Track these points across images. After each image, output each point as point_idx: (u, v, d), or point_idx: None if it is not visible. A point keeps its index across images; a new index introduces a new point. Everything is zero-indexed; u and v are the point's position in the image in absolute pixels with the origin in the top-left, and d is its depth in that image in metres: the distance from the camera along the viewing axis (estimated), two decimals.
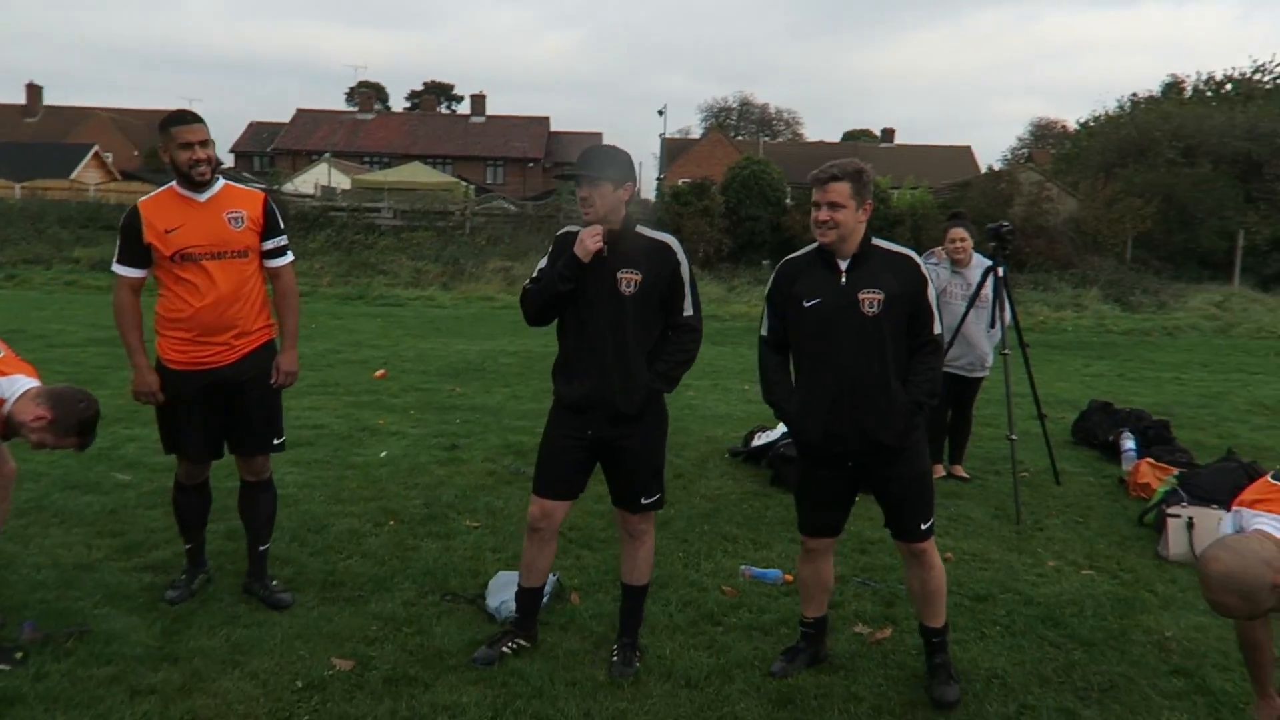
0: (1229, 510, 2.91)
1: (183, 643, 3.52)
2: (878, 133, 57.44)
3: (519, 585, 3.68)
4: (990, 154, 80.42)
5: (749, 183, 23.89)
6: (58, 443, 3.24)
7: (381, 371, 9.47)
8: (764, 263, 22.96)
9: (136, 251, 3.62)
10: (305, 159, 42.96)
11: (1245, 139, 26.83)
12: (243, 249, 3.67)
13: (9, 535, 4.45)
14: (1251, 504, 2.63)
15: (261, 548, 4.00)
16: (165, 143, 3.61)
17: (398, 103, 64.57)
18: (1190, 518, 4.86)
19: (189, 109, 3.70)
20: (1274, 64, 36.88)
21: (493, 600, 3.97)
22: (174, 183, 3.67)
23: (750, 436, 6.74)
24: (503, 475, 6.00)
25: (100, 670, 3.29)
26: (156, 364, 3.73)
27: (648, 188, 41.31)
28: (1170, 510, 4.99)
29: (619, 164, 3.37)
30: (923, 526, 3.42)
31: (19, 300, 14.71)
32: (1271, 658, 2.83)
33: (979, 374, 6.28)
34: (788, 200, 24.91)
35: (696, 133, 57.36)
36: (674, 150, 48.73)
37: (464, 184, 34.31)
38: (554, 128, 51.48)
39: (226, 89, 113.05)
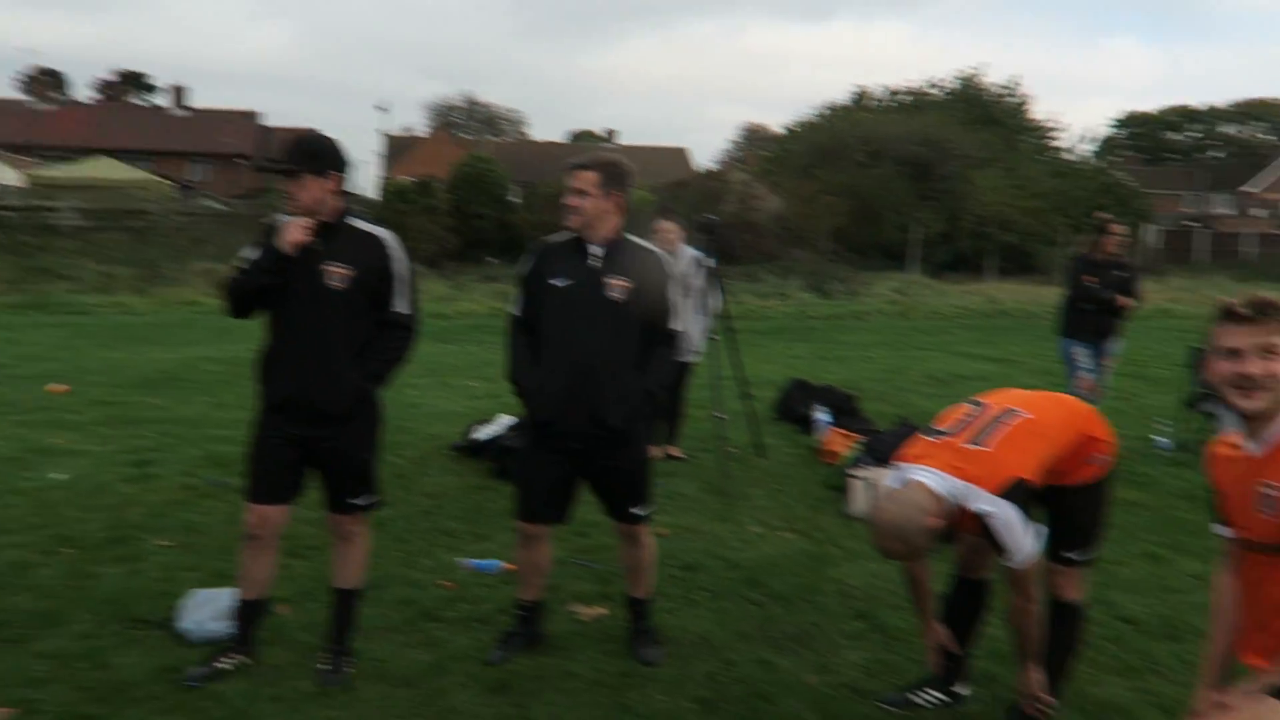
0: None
1: None
2: (603, 134, 59.01)
3: (240, 599, 3.46)
4: (706, 156, 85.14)
5: (475, 181, 23.79)
6: None
7: (61, 386, 8.46)
8: (490, 260, 22.92)
9: None
10: None
11: (919, 144, 30.23)
12: None
13: None
14: (912, 459, 2.95)
15: None
16: None
17: (82, 92, 57.97)
18: (869, 478, 5.40)
19: None
20: (942, 79, 41.67)
21: (186, 621, 3.67)
22: None
23: (470, 430, 6.69)
24: (202, 489, 5.55)
25: None
26: None
27: (370, 185, 39.92)
28: (853, 472, 5.52)
29: (323, 153, 3.23)
30: (639, 511, 3.56)
31: None
32: (930, 592, 3.19)
33: (690, 358, 6.62)
34: (514, 198, 25.04)
35: (421, 131, 56.15)
36: (398, 148, 47.43)
37: (164, 181, 31.45)
38: (271, 123, 48.39)
39: None
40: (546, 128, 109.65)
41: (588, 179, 3.39)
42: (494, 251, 23.44)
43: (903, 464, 3.00)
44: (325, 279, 3.21)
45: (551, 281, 3.44)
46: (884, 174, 28.94)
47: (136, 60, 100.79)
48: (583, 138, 63.02)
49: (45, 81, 48.39)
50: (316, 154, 3.23)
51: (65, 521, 4.89)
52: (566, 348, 3.41)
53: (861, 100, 44.04)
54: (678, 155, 52.00)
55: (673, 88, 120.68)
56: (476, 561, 4.50)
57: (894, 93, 43.56)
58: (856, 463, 5.77)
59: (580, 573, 4.43)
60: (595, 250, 3.44)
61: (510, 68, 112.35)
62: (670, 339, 3.53)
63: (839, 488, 5.81)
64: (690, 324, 6.48)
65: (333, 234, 3.24)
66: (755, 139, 64.36)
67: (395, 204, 22.71)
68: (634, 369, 3.44)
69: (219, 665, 3.34)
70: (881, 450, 5.96)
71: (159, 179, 32.09)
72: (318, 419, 3.28)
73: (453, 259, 22.39)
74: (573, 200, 3.41)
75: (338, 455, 3.36)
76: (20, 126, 43.01)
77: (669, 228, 6.47)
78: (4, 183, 27.61)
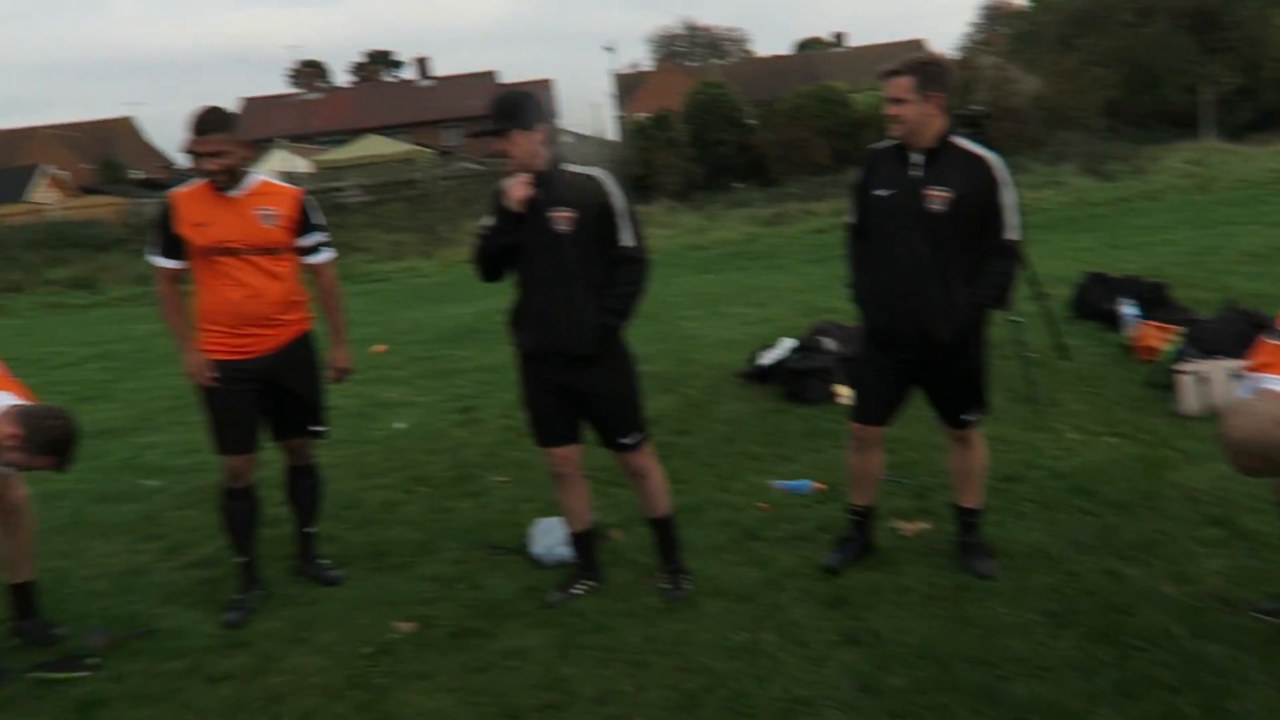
0: (1241, 375, 2.97)
1: (247, 629, 3.60)
2: (830, 39, 56.66)
3: (569, 531, 3.74)
4: (944, 44, 79.48)
5: (710, 107, 23.70)
6: (30, 462, 3.16)
7: (382, 347, 9.46)
8: (735, 185, 22.87)
9: (169, 241, 3.63)
10: (259, 148, 42.21)
11: None
12: (273, 245, 3.65)
13: (55, 552, 4.49)
14: (1259, 368, 2.70)
15: (309, 530, 4.05)
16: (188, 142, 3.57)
17: (341, 77, 63.33)
18: (1200, 372, 4.95)
19: (208, 109, 3.51)
20: None
21: (537, 547, 4.05)
22: None
23: (754, 356, 6.79)
24: (521, 429, 5.97)
25: (174, 664, 3.36)
26: None
27: (608, 127, 40.82)
28: (1180, 368, 5.08)
29: (524, 108, 3.32)
30: (968, 417, 3.51)
31: (4, 329, 14.57)
32: None
33: None
34: (750, 120, 24.72)
35: (647, 66, 56.49)
36: (628, 85, 48.02)
37: (425, 150, 33.86)
38: (503, 80, 50.62)
39: (169, 90, 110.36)
40: (771, 42, 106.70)
41: (902, 85, 3.25)
42: (739, 176, 23.36)
43: (1252, 373, 2.74)
44: (552, 225, 3.32)
45: (875, 191, 3.39)
46: (1159, 31, 25.79)
47: (381, 39, 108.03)
48: (809, 46, 60.84)
49: (310, 73, 53.27)
50: (518, 110, 3.32)
51: (415, 464, 5.51)
52: (891, 258, 3.37)
53: None
54: (914, 49, 48.87)
55: None
56: (787, 483, 4.61)
57: None
58: (1180, 357, 5.30)
59: (894, 489, 4.41)
60: (916, 158, 3.33)
61: None
62: (1006, 249, 3.34)
63: (1163, 385, 5.38)
64: None
65: (551, 182, 3.34)
66: (998, 16, 59.27)
67: (637, 141, 23.13)
68: (963, 280, 3.32)
69: (574, 590, 3.66)
70: (1207, 340, 5.45)
71: (420, 148, 34.59)
72: (571, 362, 3.41)
73: (700, 189, 22.57)
74: (890, 109, 3.29)
75: (597, 398, 3.48)
76: (297, 117, 47.80)
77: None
78: (297, 170, 30.89)
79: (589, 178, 3.38)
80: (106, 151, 46.90)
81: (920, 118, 3.27)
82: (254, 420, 3.76)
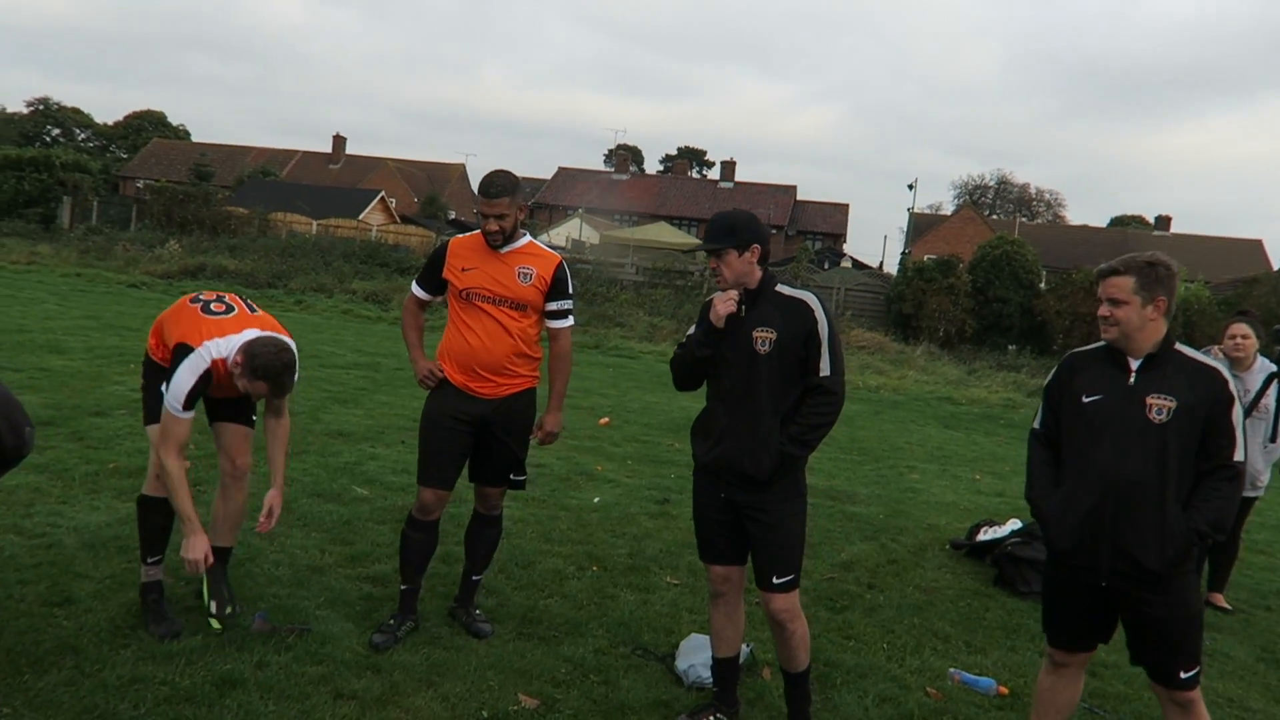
0: None
1: (387, 655, 3.70)
2: (1150, 219, 53.22)
3: (713, 656, 3.59)
4: None
5: (1000, 263, 22.83)
6: (250, 386, 3.50)
7: (606, 420, 9.72)
8: (1010, 348, 21.74)
9: (433, 278, 3.96)
10: (562, 213, 45.55)
11: None
12: (523, 302, 3.87)
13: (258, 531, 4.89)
14: None
15: (475, 577, 4.15)
16: (477, 199, 3.91)
17: (652, 165, 67.38)
18: None
19: (499, 175, 3.81)
20: None
21: (682, 662, 3.89)
22: None
23: (976, 529, 6.29)
24: None
25: (312, 669, 3.50)
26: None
27: (891, 261, 40.37)
28: None
29: (740, 229, 3.31)
30: (1184, 675, 2.99)
31: (302, 323, 16.42)
32: None
33: (1251, 494, 5.54)
34: (1042, 284, 23.52)
35: (948, 209, 55.63)
36: (923, 225, 47.48)
37: None
38: (801, 196, 51.66)
39: (502, 147, 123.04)
40: (1086, 211, 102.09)
41: (1121, 285, 2.97)
42: (1015, 338, 22.22)
43: None
44: (754, 344, 3.26)
45: (1081, 396, 3.06)
46: None
47: (699, 139, 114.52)
48: (1124, 222, 57.48)
49: (625, 156, 56.94)
50: (734, 229, 3.31)
51: (597, 542, 5.52)
52: (1092, 471, 2.98)
53: None
54: (1251, 248, 44.95)
55: (1249, 170, 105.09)
56: (969, 676, 4.16)
57: None
58: None
59: (1088, 719, 3.87)
60: (1134, 364, 3.00)
61: (1049, 147, 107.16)
62: (1231, 473, 2.92)
63: None
64: (1254, 453, 5.43)
65: (760, 301, 3.30)
66: None
67: (915, 281, 22.64)
68: (1177, 502, 2.92)
69: None
70: None
71: None
72: (745, 483, 3.30)
73: (969, 342, 21.66)
74: (1104, 310, 3.01)
75: (763, 526, 3.32)
76: (601, 193, 51.18)
77: (1245, 332, 5.48)
78: (585, 240, 32.93)
79: (799, 301, 3.33)
80: (434, 189, 52.45)
81: (1140, 321, 2.96)
82: (459, 460, 3.94)
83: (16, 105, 65.29)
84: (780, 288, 3.36)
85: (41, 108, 66.83)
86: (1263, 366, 5.49)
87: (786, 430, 3.27)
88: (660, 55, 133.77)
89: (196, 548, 3.49)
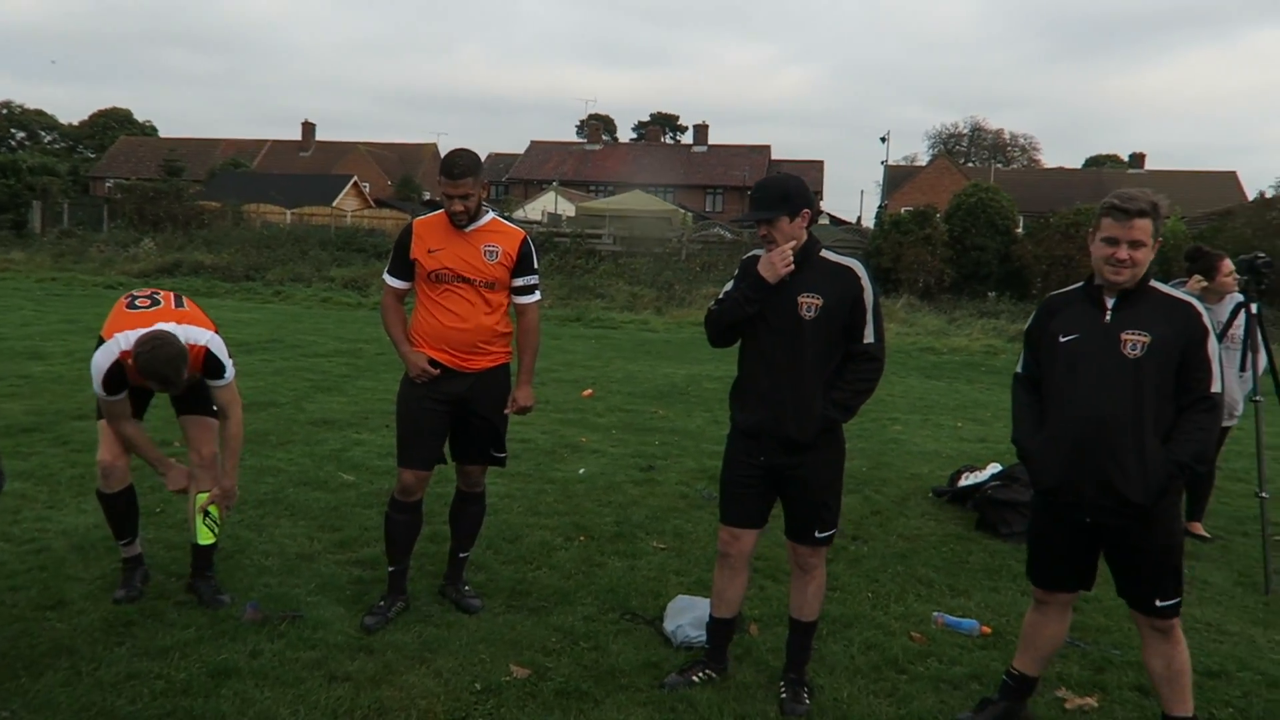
0: None
1: (379, 636, 3.75)
2: (1125, 158, 53.34)
3: (710, 616, 3.66)
4: (1260, 181, 72.61)
5: (976, 210, 22.85)
6: (140, 380, 3.70)
7: (589, 391, 9.76)
8: (990, 295, 21.84)
9: (403, 264, 3.95)
10: (536, 187, 45.33)
11: None
12: (492, 280, 3.89)
13: (247, 524, 4.93)
14: None
15: (462, 554, 4.21)
16: (438, 180, 3.92)
17: (625, 134, 66.98)
18: None
19: (461, 154, 3.80)
20: None
21: (670, 624, 3.97)
22: None
23: (957, 476, 6.38)
24: (694, 499, 6.00)
25: (306, 654, 3.56)
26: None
27: (868, 216, 40.35)
28: None
29: (790, 194, 3.32)
30: (1162, 604, 3.06)
31: (282, 314, 16.36)
32: None
33: (1227, 423, 5.63)
34: (1018, 230, 23.59)
35: (923, 160, 55.58)
36: (898, 178, 47.45)
37: (683, 211, 34.94)
38: (775, 156, 51.51)
39: (474, 125, 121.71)
40: (1062, 154, 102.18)
41: (1145, 228, 2.96)
42: (994, 285, 22.31)
43: None
44: (800, 309, 3.27)
45: (1058, 336, 3.11)
46: None
47: (674, 105, 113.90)
48: (1099, 162, 57.55)
49: (597, 126, 56.56)
50: (787, 196, 3.31)
51: (583, 512, 5.59)
52: (1072, 410, 3.04)
53: None
54: (1226, 180, 45.15)
55: (1221, 106, 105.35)
56: (953, 619, 4.25)
57: None
58: None
59: (1070, 652, 3.97)
60: (1110, 301, 3.05)
61: (1025, 94, 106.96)
62: (1209, 404, 2.97)
63: None
64: (1231, 382, 5.52)
65: (805, 266, 3.31)
66: None
67: (892, 234, 22.67)
68: (1157, 435, 2.98)
69: (693, 678, 3.54)
70: None
71: (681, 210, 35.75)
72: (788, 447, 3.34)
73: (948, 292, 21.75)
74: (1124, 253, 2.97)
75: (804, 484, 3.39)
76: (575, 164, 50.95)
77: (1230, 269, 5.57)
78: (561, 213, 32.82)
79: (846, 268, 3.35)
80: (408, 171, 52.04)
81: (1148, 264, 3.00)
82: (439, 440, 3.97)
83: None
84: (825, 253, 3.37)
85: (4, 112, 65.83)
86: (1231, 297, 5.58)
87: (830, 395, 3.31)
88: (642, 21, 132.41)
89: (176, 480, 3.96)
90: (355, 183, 42.66)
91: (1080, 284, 3.17)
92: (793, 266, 3.28)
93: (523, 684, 3.46)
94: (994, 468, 6.28)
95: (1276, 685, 3.77)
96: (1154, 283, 3.07)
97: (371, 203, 40.97)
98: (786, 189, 3.34)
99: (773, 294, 3.30)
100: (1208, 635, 4.26)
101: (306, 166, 51.11)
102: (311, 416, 7.69)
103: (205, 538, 3.99)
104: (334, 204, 36.66)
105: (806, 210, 3.32)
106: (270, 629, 3.72)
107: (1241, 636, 4.26)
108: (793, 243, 3.31)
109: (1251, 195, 38.69)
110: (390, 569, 4.03)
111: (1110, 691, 3.64)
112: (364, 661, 3.54)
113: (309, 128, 56.04)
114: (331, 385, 9.17)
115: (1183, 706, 3.12)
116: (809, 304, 3.28)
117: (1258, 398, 5.27)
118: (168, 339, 3.64)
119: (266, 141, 56.47)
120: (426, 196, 45.23)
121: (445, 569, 4.27)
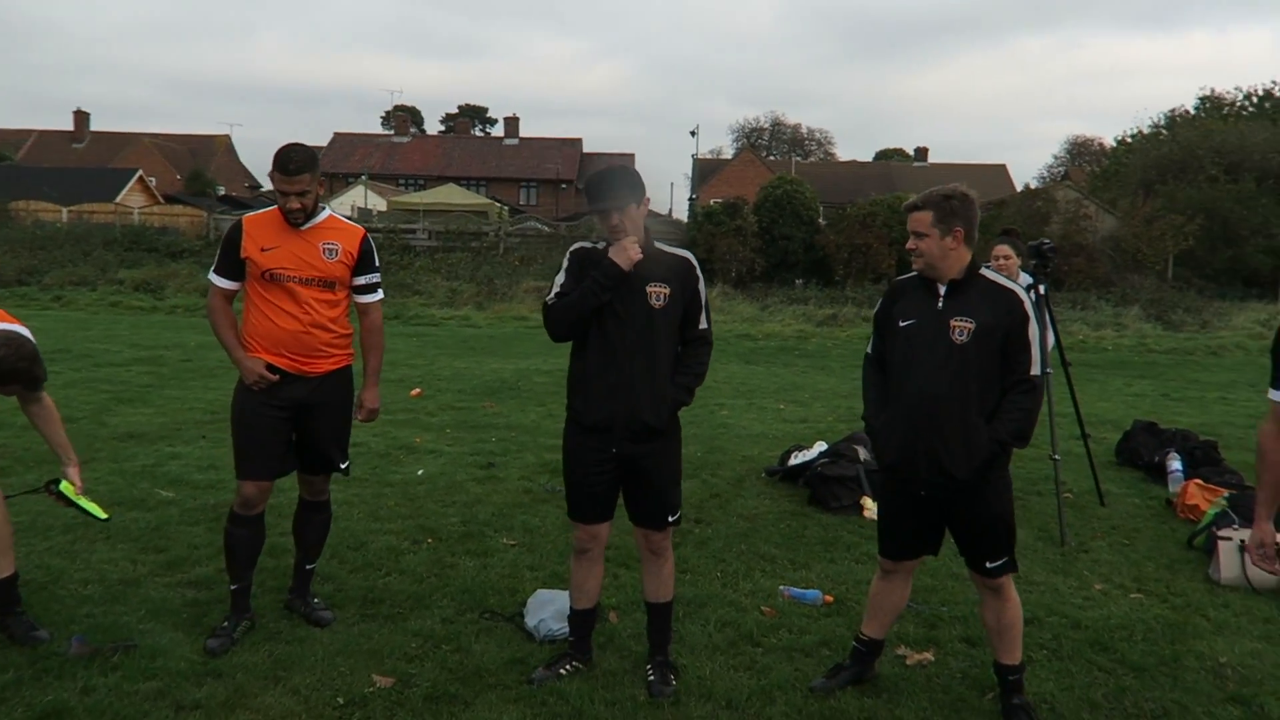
0: None
1: (226, 659, 3.54)
2: (910, 152, 57.22)
3: (571, 608, 3.68)
4: (1026, 173, 79.91)
5: (782, 202, 23.89)
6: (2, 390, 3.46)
7: (417, 390, 9.54)
8: (798, 282, 22.91)
9: (233, 263, 3.71)
10: (342, 182, 43.54)
11: None
12: (331, 279, 3.72)
13: (57, 550, 4.52)
14: None
15: (309, 566, 4.03)
16: (271, 176, 3.68)
17: (433, 126, 65.45)
18: (1243, 540, 4.73)
19: (296, 149, 3.63)
20: None
21: (531, 619, 3.96)
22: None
23: (787, 456, 6.69)
24: (539, 494, 6.00)
25: (146, 685, 3.31)
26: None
27: (679, 208, 41.36)
28: (1221, 533, 4.87)
29: (633, 183, 3.42)
30: (991, 565, 3.34)
31: (65, 321, 15.00)
32: None
33: None
34: (820, 220, 24.86)
35: (729, 153, 57.46)
36: (706, 170, 48.87)
37: (498, 205, 34.59)
38: (587, 149, 51.84)
39: (272, 115, 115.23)
40: (855, 148, 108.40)
41: (921, 219, 3.25)
42: (801, 273, 23.42)
43: None
44: (649, 299, 3.36)
45: (898, 320, 3.35)
46: (1245, 189, 25.55)
47: (484, 98, 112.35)
48: (888, 155, 61.49)
49: (403, 117, 55.06)
50: (634, 184, 3.41)
51: (427, 514, 5.47)
52: (908, 390, 3.29)
53: (1210, 106, 39.33)
54: (997, 172, 49.25)
55: (992, 106, 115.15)
56: (797, 591, 4.48)
57: (1254, 97, 38.50)
58: (1223, 521, 5.09)
59: (905, 614, 4.25)
60: (942, 289, 3.30)
61: (821, 91, 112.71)
62: (1028, 386, 3.23)
63: (1201, 548, 5.16)
64: None
65: (647, 257, 3.39)
66: (1083, 153, 59.46)
67: (705, 225, 23.36)
68: (980, 415, 3.24)
69: (560, 670, 3.56)
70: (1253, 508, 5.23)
71: (495, 203, 35.36)
72: (641, 435, 3.41)
73: (759, 280, 22.65)
74: (910, 243, 3.30)
75: (655, 471, 3.48)
76: (383, 158, 49.31)
77: (1006, 252, 6.07)
78: (372, 208, 31.72)
79: (683, 259, 3.48)
80: (199, 164, 48.74)
81: (941, 251, 3.24)
82: (280, 450, 3.77)
83: None
84: (660, 245, 3.46)
85: None
86: (1022, 281, 6.12)
87: (676, 380, 3.45)
88: (450, 14, 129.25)
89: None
90: (141, 177, 39.56)
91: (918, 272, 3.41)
92: (640, 254, 3.35)
93: (388, 693, 3.37)
94: (820, 445, 6.63)
95: (1079, 626, 4.20)
96: (983, 271, 3.34)
97: (160, 198, 38.09)
98: (633, 178, 3.42)
99: (623, 283, 3.35)
100: (1018, 586, 4.65)
101: (81, 159, 46.98)
102: (115, 431, 7.12)
103: (101, 510, 3.79)
104: (117, 200, 33.84)
105: (646, 199, 3.44)
106: (101, 662, 3.43)
107: (1047, 585, 4.72)
108: (641, 231, 3.39)
109: (1019, 186, 42.43)
110: (232, 587, 3.81)
111: (943, 645, 3.95)
112: (213, 687, 3.34)
113: (82, 117, 51.53)
114: (134, 396, 8.50)
115: (1010, 655, 3.42)
116: (658, 293, 3.37)
117: (1047, 370, 5.82)
118: (16, 336, 3.35)
119: (33, 132, 51.42)
120: (222, 191, 42.49)
121: (290, 583, 4.08)
